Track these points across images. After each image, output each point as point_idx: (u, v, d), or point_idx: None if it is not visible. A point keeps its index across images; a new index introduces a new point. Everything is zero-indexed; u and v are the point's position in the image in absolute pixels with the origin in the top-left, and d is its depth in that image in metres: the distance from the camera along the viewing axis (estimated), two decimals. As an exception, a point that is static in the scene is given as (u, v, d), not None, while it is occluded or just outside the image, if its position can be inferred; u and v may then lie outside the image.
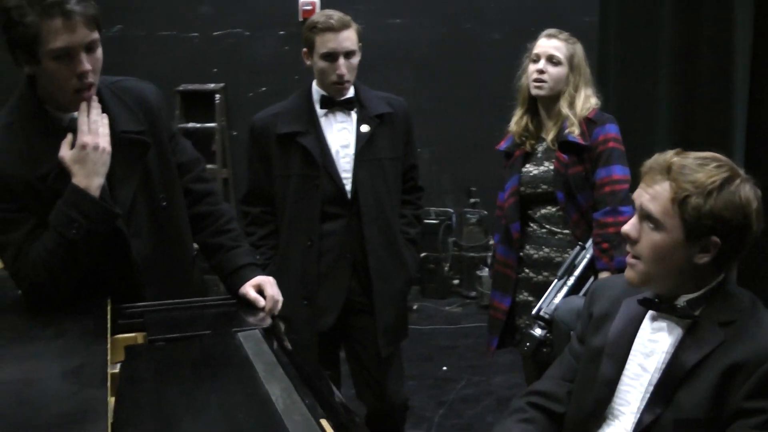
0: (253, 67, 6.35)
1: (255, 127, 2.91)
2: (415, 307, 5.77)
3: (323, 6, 6.05)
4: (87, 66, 1.84)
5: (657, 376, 1.74)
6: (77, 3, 1.78)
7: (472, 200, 5.97)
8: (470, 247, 5.88)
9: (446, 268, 6.03)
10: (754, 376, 1.61)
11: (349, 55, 2.78)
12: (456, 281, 6.07)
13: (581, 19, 5.03)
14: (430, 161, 6.21)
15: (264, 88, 6.25)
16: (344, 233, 2.86)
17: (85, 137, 1.88)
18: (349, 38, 2.77)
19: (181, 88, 6.39)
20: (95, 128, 1.89)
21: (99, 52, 1.88)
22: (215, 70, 6.44)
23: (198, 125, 6.41)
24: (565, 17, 5.10)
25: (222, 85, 6.39)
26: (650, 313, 1.81)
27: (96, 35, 1.85)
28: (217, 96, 6.33)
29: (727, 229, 1.67)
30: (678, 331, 1.75)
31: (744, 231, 1.69)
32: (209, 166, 6.34)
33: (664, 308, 1.77)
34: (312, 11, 6.00)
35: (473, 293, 5.87)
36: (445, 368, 4.61)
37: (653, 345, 1.77)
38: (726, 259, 1.73)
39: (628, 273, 1.80)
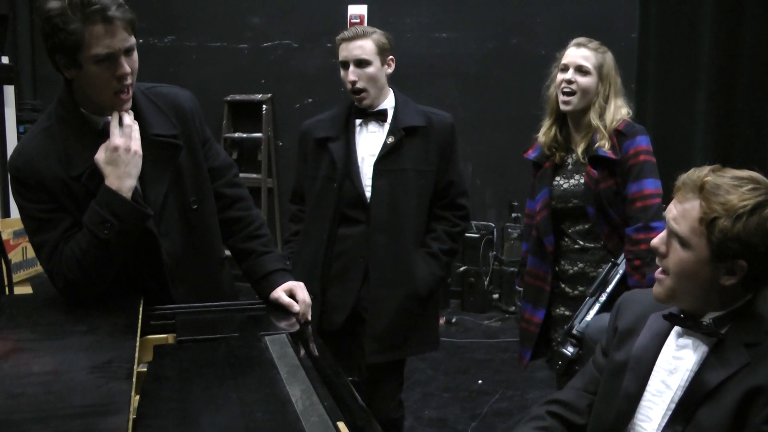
0: (300, 79, 6.44)
1: (301, 132, 3.11)
2: (453, 320, 5.79)
3: (371, 18, 6.11)
4: (127, 69, 1.91)
5: (680, 393, 1.70)
6: (117, 9, 1.85)
7: (514, 215, 5.96)
8: (511, 262, 5.87)
9: (486, 283, 6.03)
10: None
11: (361, 63, 2.87)
12: (495, 296, 6.07)
13: (629, 35, 4.99)
14: (474, 175, 6.21)
15: (310, 100, 6.32)
16: (360, 238, 2.92)
17: (116, 140, 1.94)
18: (360, 47, 2.86)
19: (229, 98, 6.52)
20: (128, 132, 1.96)
21: (135, 54, 1.95)
22: (263, 81, 6.55)
23: (245, 135, 6.54)
24: (612, 32, 5.07)
25: (269, 95, 6.49)
26: (676, 329, 1.77)
27: (133, 39, 1.92)
28: (264, 106, 6.44)
29: (755, 254, 1.62)
30: (703, 349, 1.71)
31: None
32: (254, 175, 6.45)
33: (689, 324, 1.73)
34: (360, 24, 6.05)
35: (512, 308, 5.86)
36: (480, 381, 4.61)
37: (677, 362, 1.74)
38: (754, 283, 1.68)
39: (655, 288, 1.77)
